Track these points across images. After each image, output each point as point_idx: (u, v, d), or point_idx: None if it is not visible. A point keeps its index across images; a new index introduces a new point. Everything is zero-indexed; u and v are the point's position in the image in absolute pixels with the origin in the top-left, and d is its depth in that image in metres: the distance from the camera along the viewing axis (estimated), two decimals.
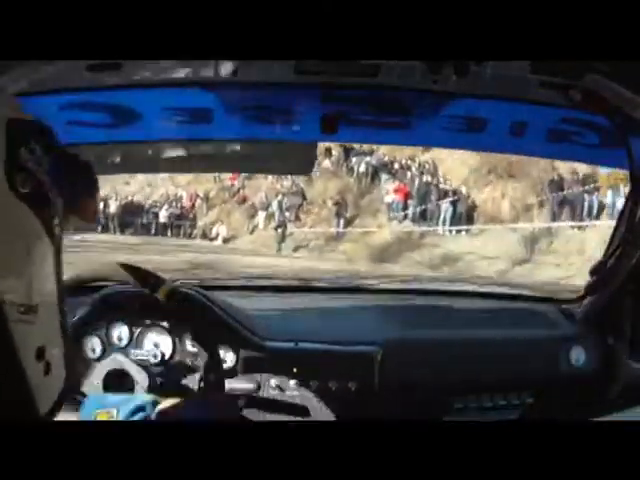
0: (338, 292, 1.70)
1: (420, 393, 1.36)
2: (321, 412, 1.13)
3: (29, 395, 0.55)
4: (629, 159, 1.16)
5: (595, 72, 0.99)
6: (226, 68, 1.08)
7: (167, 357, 1.24)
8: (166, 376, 1.19)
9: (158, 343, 1.26)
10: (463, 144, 1.44)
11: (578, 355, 1.42)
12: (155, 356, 1.22)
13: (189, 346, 1.25)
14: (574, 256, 9.97)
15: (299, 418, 1.21)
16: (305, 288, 1.78)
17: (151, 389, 1.15)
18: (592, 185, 11.40)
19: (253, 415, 1.27)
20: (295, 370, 1.30)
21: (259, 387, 1.24)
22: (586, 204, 11.44)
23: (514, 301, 1.73)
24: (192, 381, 1.20)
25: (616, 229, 1.37)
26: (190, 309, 1.24)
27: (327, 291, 1.71)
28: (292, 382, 1.20)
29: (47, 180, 0.60)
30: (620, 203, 10.59)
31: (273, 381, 1.21)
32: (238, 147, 1.38)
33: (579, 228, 11.10)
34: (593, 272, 1.38)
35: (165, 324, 1.26)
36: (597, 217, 11.21)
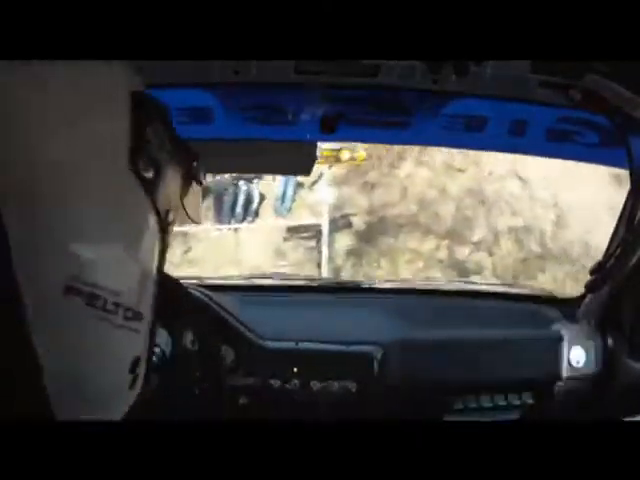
0: (338, 292, 1.70)
1: (420, 393, 1.37)
2: None
3: (105, 404, 0.51)
4: (629, 159, 1.16)
5: (595, 72, 0.99)
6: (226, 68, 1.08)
7: (167, 356, 1.24)
8: (166, 375, 1.19)
9: (158, 342, 1.26)
10: (463, 143, 1.45)
11: (578, 355, 1.42)
12: (155, 355, 1.22)
13: (189, 345, 1.25)
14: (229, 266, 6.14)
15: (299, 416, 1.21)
16: (305, 288, 1.78)
17: (150, 387, 1.15)
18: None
19: (252, 414, 1.27)
20: (295, 370, 1.30)
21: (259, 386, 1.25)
22: (241, 197, 6.76)
23: (514, 301, 1.73)
24: (192, 380, 1.20)
25: (616, 229, 1.37)
26: (191, 308, 1.24)
27: (327, 291, 1.71)
28: None
29: (169, 168, 0.53)
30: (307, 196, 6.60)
31: None
32: (238, 147, 1.38)
33: (230, 229, 6.83)
34: (593, 272, 1.38)
35: (165, 323, 1.26)
36: (256, 214, 6.87)
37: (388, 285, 1.82)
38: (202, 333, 1.22)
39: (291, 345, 1.34)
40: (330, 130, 1.26)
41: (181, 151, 0.57)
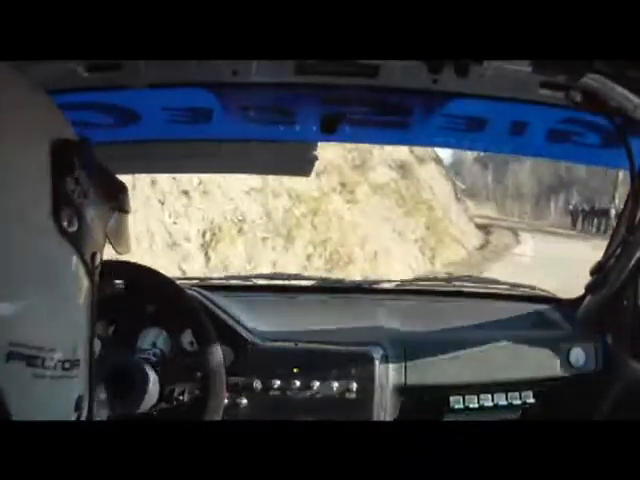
0: (338, 292, 1.70)
1: (420, 393, 1.37)
2: None
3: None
4: (629, 159, 1.16)
5: (595, 72, 0.99)
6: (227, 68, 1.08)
7: (166, 357, 1.24)
8: (165, 376, 1.19)
9: (157, 343, 1.26)
10: (463, 144, 1.45)
11: (578, 355, 1.42)
12: (154, 355, 1.22)
13: (188, 346, 1.25)
14: None
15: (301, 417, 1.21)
16: (305, 288, 1.78)
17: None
18: None
19: (252, 414, 1.27)
20: (295, 370, 1.30)
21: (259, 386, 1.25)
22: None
23: (514, 301, 1.73)
24: (192, 381, 1.20)
25: (616, 229, 1.37)
26: (189, 309, 1.24)
27: (327, 291, 1.71)
28: None
29: (93, 215, 0.52)
30: None
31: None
32: (238, 147, 1.38)
33: None
34: (593, 272, 1.38)
35: (164, 323, 1.26)
36: None
37: (388, 285, 1.83)
38: (201, 334, 1.22)
39: (291, 345, 1.34)
40: (330, 130, 1.26)
41: (106, 188, 0.55)
